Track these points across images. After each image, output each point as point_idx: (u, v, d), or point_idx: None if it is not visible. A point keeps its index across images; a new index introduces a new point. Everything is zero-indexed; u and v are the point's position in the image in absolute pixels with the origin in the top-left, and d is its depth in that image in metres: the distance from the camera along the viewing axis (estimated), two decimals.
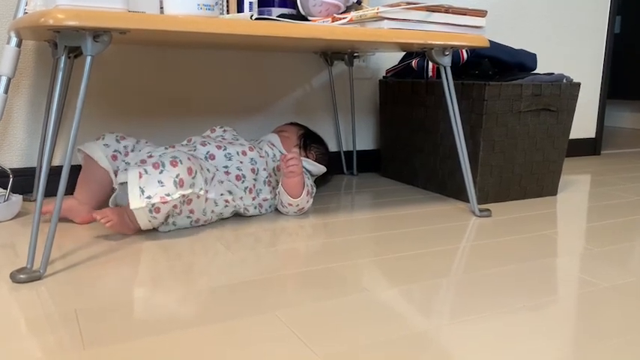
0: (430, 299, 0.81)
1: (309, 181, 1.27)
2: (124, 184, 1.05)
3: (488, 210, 1.29)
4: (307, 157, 1.37)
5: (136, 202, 0.98)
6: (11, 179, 1.18)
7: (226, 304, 0.77)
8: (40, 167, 1.30)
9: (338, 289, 0.83)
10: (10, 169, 1.23)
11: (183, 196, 1.02)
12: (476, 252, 1.02)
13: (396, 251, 1.02)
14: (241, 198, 1.18)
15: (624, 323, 0.74)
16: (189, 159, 1.04)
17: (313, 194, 1.26)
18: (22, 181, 1.32)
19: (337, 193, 1.49)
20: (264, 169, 1.23)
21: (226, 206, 1.15)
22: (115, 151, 1.14)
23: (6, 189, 1.18)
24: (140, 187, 0.99)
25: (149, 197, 0.98)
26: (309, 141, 1.41)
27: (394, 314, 0.75)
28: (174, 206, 1.03)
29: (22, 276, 0.83)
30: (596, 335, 0.71)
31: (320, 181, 1.44)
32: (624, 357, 0.65)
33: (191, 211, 1.08)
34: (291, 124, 1.48)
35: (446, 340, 0.68)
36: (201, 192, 1.06)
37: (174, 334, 0.68)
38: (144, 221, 1.02)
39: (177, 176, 1.00)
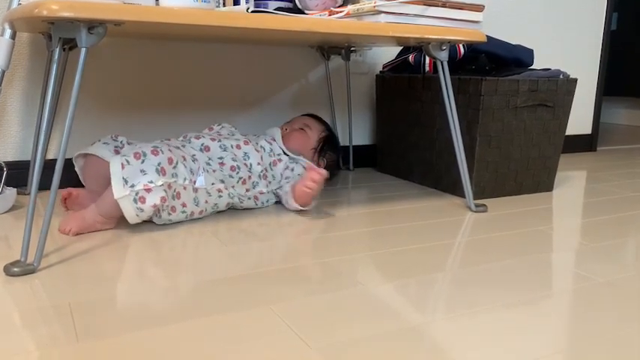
0: (425, 294, 0.81)
1: None
2: None
3: (484, 205, 1.29)
4: (318, 164, 1.37)
5: (119, 191, 0.98)
6: (5, 172, 1.17)
7: (221, 297, 0.77)
8: (34, 160, 1.30)
9: (333, 284, 0.83)
10: (4, 162, 1.22)
11: (169, 186, 1.02)
12: (471, 247, 1.02)
13: (392, 246, 1.02)
14: (233, 187, 1.18)
15: (619, 318, 0.74)
16: (169, 150, 1.05)
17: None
18: (16, 174, 1.31)
19: (333, 188, 1.49)
20: (259, 164, 1.23)
21: (220, 196, 1.15)
22: (116, 147, 1.15)
23: (0, 182, 1.17)
24: (123, 178, 0.99)
25: (132, 186, 0.99)
26: (327, 147, 1.40)
27: (389, 308, 0.75)
28: (163, 199, 1.01)
29: (15, 269, 0.83)
30: (591, 330, 0.71)
31: None
32: (618, 352, 0.65)
33: (184, 205, 1.08)
34: (315, 118, 1.45)
35: (440, 335, 0.68)
36: (186, 182, 1.06)
37: (169, 327, 0.68)
38: (130, 213, 1.00)
39: (158, 164, 1.01)
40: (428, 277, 0.87)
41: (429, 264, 0.93)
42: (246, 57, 1.58)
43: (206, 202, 1.13)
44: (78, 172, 1.18)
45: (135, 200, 0.99)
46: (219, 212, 1.19)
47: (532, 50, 1.48)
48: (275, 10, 1.28)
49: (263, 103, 1.64)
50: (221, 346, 0.64)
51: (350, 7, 1.16)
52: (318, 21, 1.04)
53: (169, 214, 1.07)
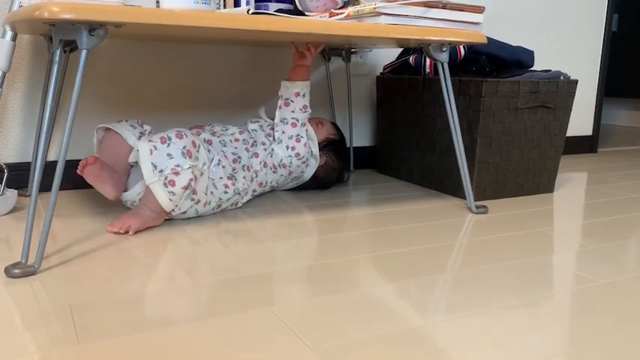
0: (426, 295, 0.81)
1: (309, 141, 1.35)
2: (135, 164, 1.10)
3: (484, 207, 1.29)
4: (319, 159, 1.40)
5: (149, 177, 1.02)
6: (6, 174, 1.18)
7: (222, 299, 0.77)
8: (35, 162, 1.30)
9: (334, 285, 0.83)
10: (5, 164, 1.23)
11: (193, 167, 1.05)
12: (472, 248, 1.02)
13: (392, 247, 1.01)
14: (244, 177, 1.22)
15: (620, 320, 0.74)
16: (192, 134, 1.10)
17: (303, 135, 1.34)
18: (17, 176, 1.31)
19: (334, 189, 1.49)
20: (254, 145, 1.29)
21: (225, 192, 1.17)
22: (141, 133, 1.18)
23: (1, 184, 1.17)
24: (152, 163, 1.02)
25: (161, 171, 1.02)
26: (330, 149, 1.42)
27: (389, 310, 0.75)
28: (191, 180, 1.05)
29: (16, 271, 0.83)
30: (592, 331, 0.71)
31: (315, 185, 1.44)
32: (619, 353, 0.65)
33: (194, 192, 1.09)
34: (333, 124, 1.50)
35: (441, 336, 0.68)
36: (204, 167, 1.10)
37: (169, 329, 0.68)
38: (163, 198, 1.03)
39: (184, 147, 1.05)
40: (428, 279, 0.87)
41: (429, 265, 0.93)
42: (246, 58, 1.59)
43: (212, 193, 1.14)
44: (94, 144, 1.19)
45: (165, 184, 1.02)
46: (220, 213, 1.19)
47: (532, 52, 1.48)
48: (275, 11, 1.28)
49: (264, 104, 1.63)
50: (221, 346, 0.64)
51: (350, 9, 1.16)
52: (318, 23, 1.05)
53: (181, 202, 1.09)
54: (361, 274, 0.88)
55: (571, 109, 1.46)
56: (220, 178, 1.16)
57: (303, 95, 1.33)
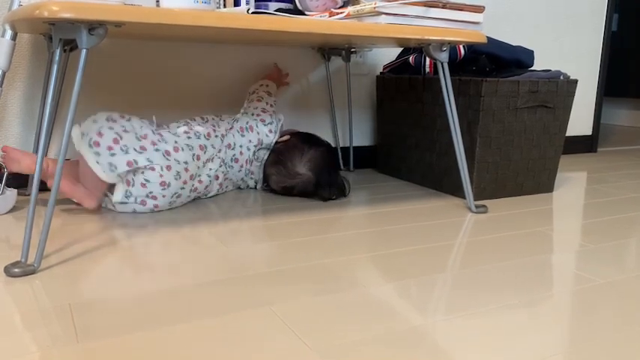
0: (425, 295, 0.81)
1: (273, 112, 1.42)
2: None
3: (484, 206, 1.29)
4: (278, 140, 1.39)
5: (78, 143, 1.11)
6: (6, 173, 1.17)
7: (221, 298, 0.77)
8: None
9: (333, 285, 0.83)
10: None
11: (123, 130, 1.13)
12: (472, 248, 1.02)
13: (392, 247, 1.01)
14: (202, 118, 1.31)
15: (620, 319, 0.74)
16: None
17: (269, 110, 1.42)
18: (17, 175, 1.31)
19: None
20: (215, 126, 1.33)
21: (189, 137, 1.23)
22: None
23: (0, 183, 1.17)
24: (81, 132, 1.11)
25: (86, 134, 1.10)
26: (297, 139, 1.37)
27: (389, 309, 0.75)
28: (115, 140, 1.10)
29: (16, 270, 0.83)
30: (592, 331, 0.71)
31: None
32: (619, 353, 0.65)
33: (154, 143, 1.15)
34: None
35: (440, 336, 0.68)
36: (144, 129, 1.16)
37: (168, 328, 0.68)
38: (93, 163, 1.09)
39: (107, 118, 1.14)
40: (428, 279, 0.87)
41: (429, 265, 0.93)
42: (246, 58, 1.59)
43: (180, 149, 1.19)
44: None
45: (90, 145, 1.09)
46: (219, 213, 1.19)
47: (532, 51, 1.48)
48: (275, 11, 1.28)
49: None
50: (221, 346, 0.64)
51: (350, 9, 1.16)
52: (318, 22, 1.04)
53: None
54: (361, 274, 0.88)
55: (571, 109, 1.46)
56: (178, 127, 1.24)
57: (269, 88, 1.47)
